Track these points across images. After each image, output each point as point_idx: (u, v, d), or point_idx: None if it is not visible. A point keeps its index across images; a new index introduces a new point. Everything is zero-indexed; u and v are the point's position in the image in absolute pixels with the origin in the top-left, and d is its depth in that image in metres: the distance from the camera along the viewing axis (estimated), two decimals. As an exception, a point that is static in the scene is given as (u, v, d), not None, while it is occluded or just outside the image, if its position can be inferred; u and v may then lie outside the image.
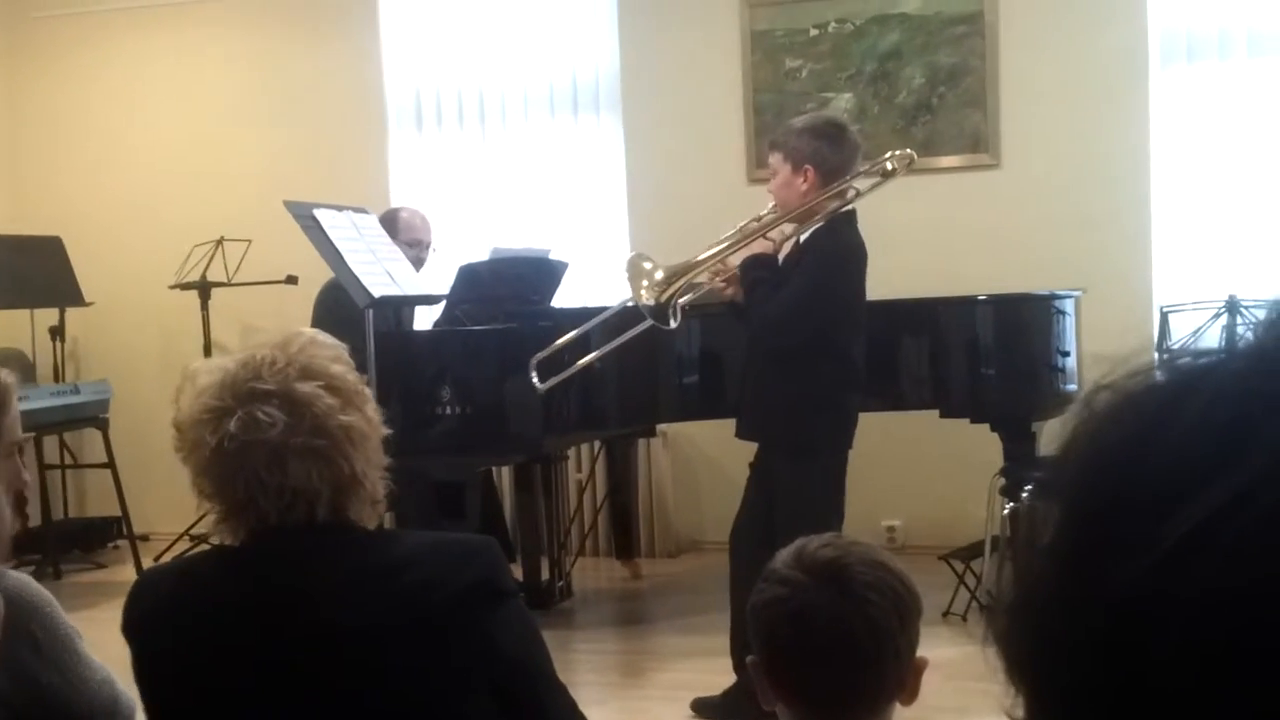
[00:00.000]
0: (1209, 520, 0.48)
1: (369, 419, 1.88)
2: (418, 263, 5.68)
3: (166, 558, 6.20)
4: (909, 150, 4.41)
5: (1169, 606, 0.49)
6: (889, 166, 4.31)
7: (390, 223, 5.74)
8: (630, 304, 4.43)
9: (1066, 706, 0.53)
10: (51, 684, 1.99)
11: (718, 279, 4.30)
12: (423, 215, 6.02)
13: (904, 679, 1.64)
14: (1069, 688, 0.53)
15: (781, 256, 4.30)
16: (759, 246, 4.26)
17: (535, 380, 4.45)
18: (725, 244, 4.29)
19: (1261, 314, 0.57)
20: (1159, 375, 0.55)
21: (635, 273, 4.22)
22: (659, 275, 4.18)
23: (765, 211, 4.32)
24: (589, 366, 4.60)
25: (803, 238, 4.27)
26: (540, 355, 4.50)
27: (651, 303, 4.18)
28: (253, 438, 1.78)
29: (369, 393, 1.93)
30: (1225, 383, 0.52)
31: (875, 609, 1.59)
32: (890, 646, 1.60)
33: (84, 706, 2.03)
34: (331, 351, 1.90)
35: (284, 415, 1.79)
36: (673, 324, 4.23)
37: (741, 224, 4.32)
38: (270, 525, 1.83)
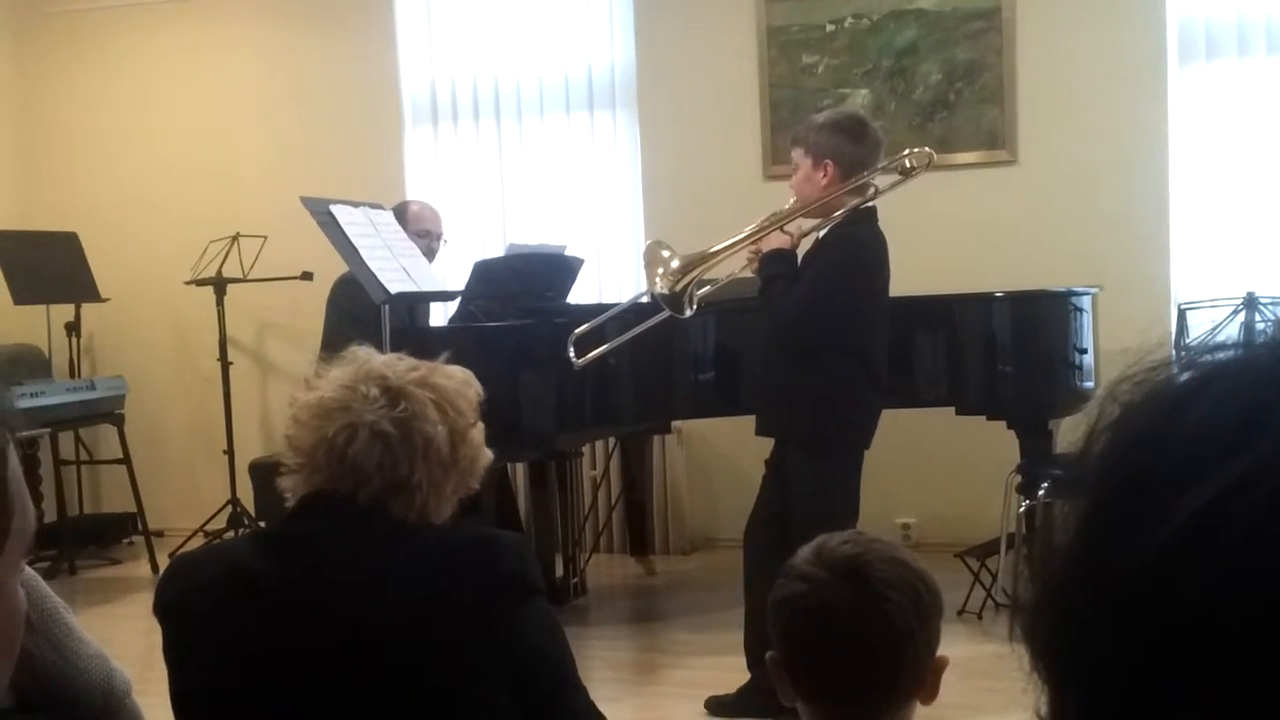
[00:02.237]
0: (1218, 499, 0.50)
1: (457, 450, 1.94)
2: (429, 253, 5.69)
3: (182, 553, 6.19)
4: (927, 149, 4.39)
5: (1178, 581, 0.51)
6: (908, 164, 4.29)
7: (400, 214, 5.76)
8: (644, 297, 4.42)
9: (1084, 686, 0.55)
10: (45, 658, 1.96)
11: (746, 254, 4.31)
12: (433, 208, 6.05)
13: (923, 677, 1.63)
14: (1086, 666, 0.54)
15: (801, 253, 4.29)
16: (777, 240, 4.25)
17: (572, 355, 4.44)
18: (744, 236, 4.28)
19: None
20: (1180, 368, 0.57)
21: (652, 260, 4.22)
22: (675, 264, 4.18)
23: (786, 207, 4.32)
24: (613, 352, 4.60)
25: (821, 234, 4.26)
26: (579, 331, 4.49)
27: (666, 291, 4.17)
28: (346, 404, 1.89)
29: (479, 440, 2.01)
30: (1243, 372, 0.55)
31: (893, 606, 1.58)
32: (909, 645, 1.60)
33: (80, 681, 2.01)
34: (467, 389, 2.01)
35: (381, 399, 1.89)
36: (688, 313, 4.23)
37: (761, 219, 4.32)
38: (315, 489, 1.89)
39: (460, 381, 2.00)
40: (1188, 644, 0.50)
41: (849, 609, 1.59)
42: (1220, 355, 0.56)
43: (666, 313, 4.24)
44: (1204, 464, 0.52)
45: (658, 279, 4.18)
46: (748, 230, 4.29)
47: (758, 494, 4.42)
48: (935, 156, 4.40)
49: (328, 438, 1.87)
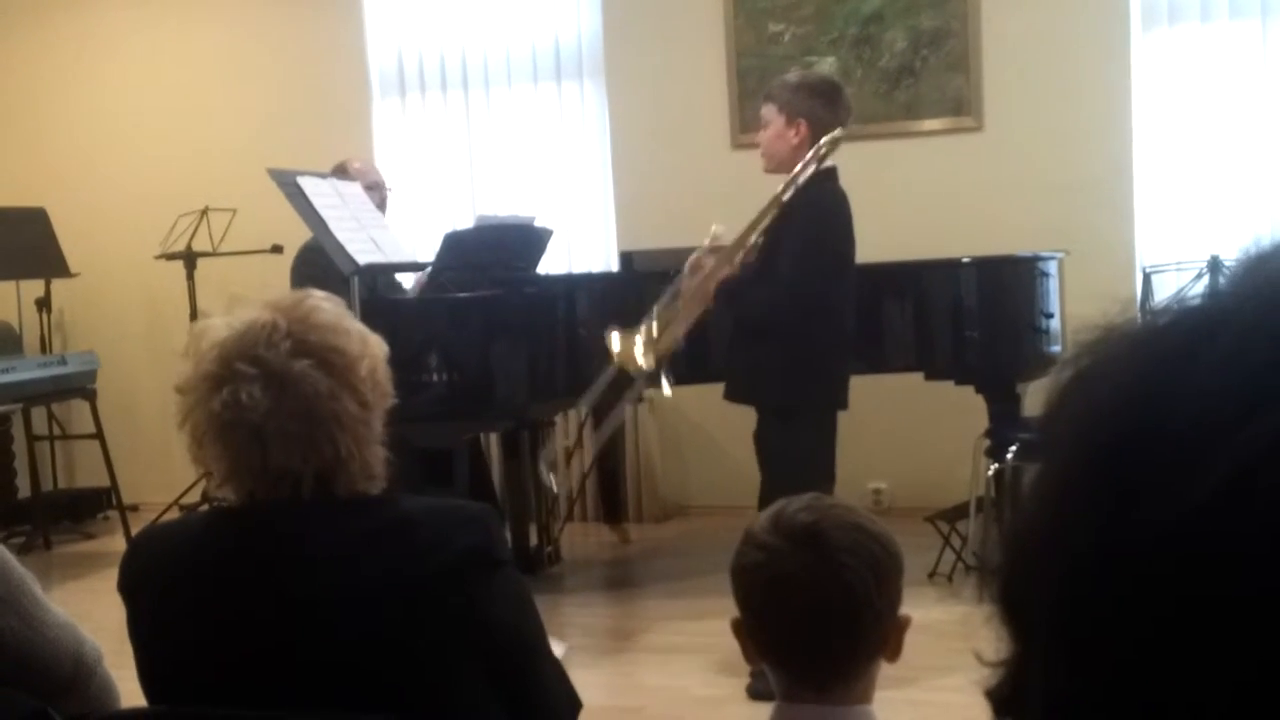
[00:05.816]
0: (1248, 465, 0.47)
1: (363, 397, 1.84)
2: (381, 205, 5.69)
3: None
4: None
5: (1204, 554, 0.47)
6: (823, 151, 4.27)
7: (342, 174, 5.76)
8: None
9: (1060, 644, 0.52)
10: (12, 628, 1.96)
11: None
12: (368, 160, 6.05)
13: (884, 639, 1.65)
14: (1066, 626, 0.52)
15: (766, 223, 4.26)
16: (723, 274, 4.20)
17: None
18: (697, 297, 4.24)
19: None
20: (1168, 319, 0.54)
21: (625, 350, 4.21)
22: (639, 338, 4.18)
23: (716, 233, 4.28)
24: (584, 323, 4.59)
25: (786, 197, 4.23)
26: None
27: (649, 369, 4.19)
28: (237, 417, 1.77)
29: (375, 358, 1.88)
30: (1251, 328, 0.50)
31: (851, 574, 1.59)
32: (868, 611, 1.61)
33: (48, 650, 2.00)
34: (334, 319, 1.86)
35: (267, 399, 1.77)
36: (668, 392, 4.28)
37: (707, 257, 4.24)
38: (258, 499, 1.84)
39: (332, 313, 1.86)
40: (1209, 618, 0.47)
41: (807, 578, 1.60)
42: (1210, 303, 0.54)
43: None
44: (1221, 427, 0.48)
45: (639, 358, 4.17)
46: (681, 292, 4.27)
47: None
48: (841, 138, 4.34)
49: (242, 454, 1.80)
